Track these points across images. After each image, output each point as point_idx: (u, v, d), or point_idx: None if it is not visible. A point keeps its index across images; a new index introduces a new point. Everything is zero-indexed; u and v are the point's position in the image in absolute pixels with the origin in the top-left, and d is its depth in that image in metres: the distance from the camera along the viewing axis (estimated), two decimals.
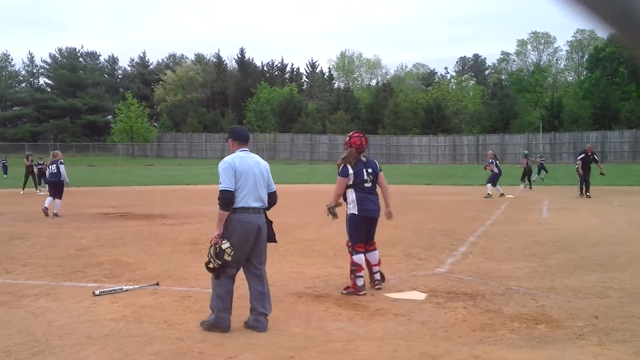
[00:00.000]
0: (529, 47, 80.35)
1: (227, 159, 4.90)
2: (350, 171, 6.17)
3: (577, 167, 18.05)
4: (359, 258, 6.07)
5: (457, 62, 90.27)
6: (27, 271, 7.31)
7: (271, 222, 5.04)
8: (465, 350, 4.25)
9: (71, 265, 7.67)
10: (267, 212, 5.05)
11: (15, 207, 16.16)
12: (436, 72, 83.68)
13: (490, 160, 18.56)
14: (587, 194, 17.71)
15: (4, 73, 75.32)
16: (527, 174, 21.64)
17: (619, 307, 5.43)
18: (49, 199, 13.81)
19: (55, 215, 13.44)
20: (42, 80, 79.29)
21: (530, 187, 21.55)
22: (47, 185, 15.69)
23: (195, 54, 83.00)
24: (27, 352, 4.26)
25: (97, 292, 5.98)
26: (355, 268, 6.02)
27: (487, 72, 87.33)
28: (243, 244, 4.74)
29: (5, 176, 30.53)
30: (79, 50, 79.11)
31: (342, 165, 6.24)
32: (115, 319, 5.08)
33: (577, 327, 4.81)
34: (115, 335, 4.63)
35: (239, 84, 73.47)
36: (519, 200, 17.50)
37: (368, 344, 4.41)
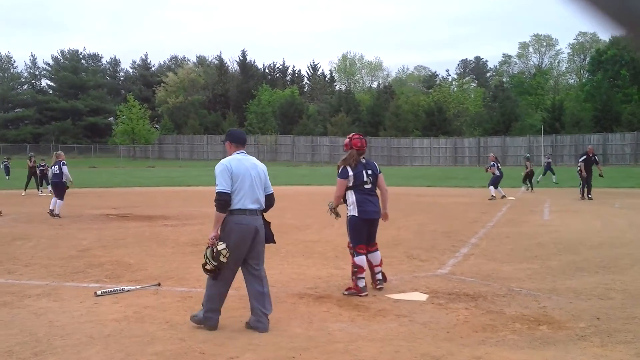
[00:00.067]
0: (531, 49, 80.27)
1: (224, 161, 4.89)
2: (350, 173, 6.15)
3: (580, 169, 17.87)
4: (361, 260, 6.06)
5: (458, 65, 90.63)
6: (29, 271, 7.33)
7: (269, 223, 5.03)
8: (466, 351, 4.24)
9: (73, 265, 7.69)
10: (265, 213, 5.05)
11: (18, 208, 16.17)
12: (437, 75, 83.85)
13: (492, 163, 18.56)
14: (589, 196, 17.67)
15: (6, 75, 75.42)
16: (528, 176, 21.61)
17: (621, 308, 5.42)
18: (53, 200, 13.83)
19: (57, 215, 13.46)
20: (44, 82, 79.53)
21: (532, 190, 21.53)
22: (49, 187, 15.70)
23: (197, 56, 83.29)
24: (29, 352, 4.26)
25: (98, 292, 5.99)
26: (356, 270, 6.01)
27: (488, 74, 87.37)
28: (240, 245, 4.74)
29: (7, 177, 30.58)
30: (81, 52, 79.29)
31: (342, 167, 6.21)
32: (117, 319, 5.08)
33: (579, 329, 4.80)
34: (117, 336, 4.63)
35: (240, 86, 73.57)
36: (521, 202, 17.49)
37: (369, 344, 4.41)
